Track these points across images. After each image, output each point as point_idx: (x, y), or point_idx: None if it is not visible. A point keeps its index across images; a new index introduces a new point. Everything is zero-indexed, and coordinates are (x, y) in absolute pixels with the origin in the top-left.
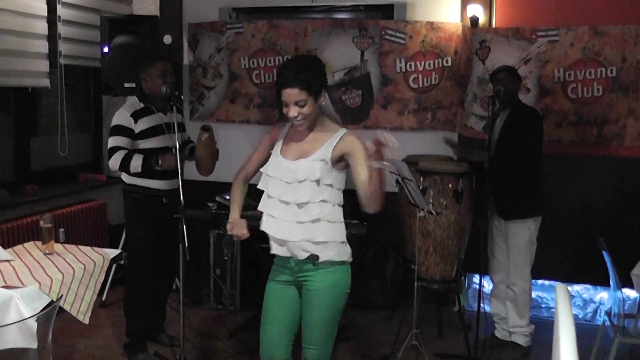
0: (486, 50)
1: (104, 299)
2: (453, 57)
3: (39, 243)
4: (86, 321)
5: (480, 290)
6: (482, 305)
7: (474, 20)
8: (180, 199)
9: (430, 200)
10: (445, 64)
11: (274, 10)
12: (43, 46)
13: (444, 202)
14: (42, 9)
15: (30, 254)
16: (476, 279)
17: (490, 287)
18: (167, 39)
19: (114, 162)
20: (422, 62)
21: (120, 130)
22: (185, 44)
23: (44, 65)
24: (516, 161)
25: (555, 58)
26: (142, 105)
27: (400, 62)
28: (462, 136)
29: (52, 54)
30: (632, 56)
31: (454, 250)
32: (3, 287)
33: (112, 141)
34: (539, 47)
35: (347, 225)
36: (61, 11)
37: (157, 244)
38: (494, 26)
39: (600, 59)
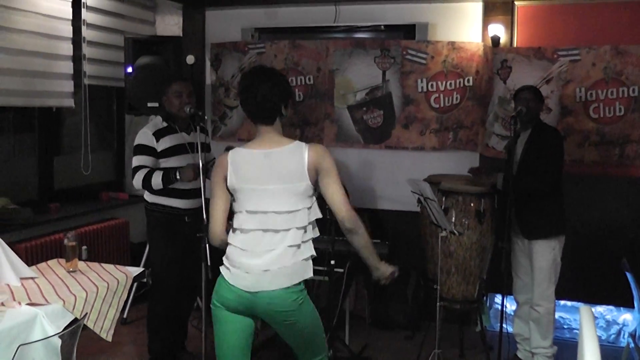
0: (507, 70)
1: (125, 316)
2: (474, 76)
3: (62, 261)
4: (109, 339)
5: (502, 311)
6: (504, 325)
7: (495, 40)
8: (202, 217)
9: (452, 220)
10: (466, 83)
11: (296, 31)
12: (68, 67)
13: (466, 222)
14: (68, 30)
15: (54, 271)
16: (498, 299)
17: (513, 307)
18: (190, 59)
19: (137, 180)
20: (444, 82)
21: (142, 149)
22: (208, 64)
23: (68, 86)
24: (538, 181)
25: (577, 77)
26: (165, 124)
27: (421, 82)
28: (483, 156)
29: (77, 75)
30: None
31: (476, 271)
32: (28, 304)
33: (135, 160)
34: (561, 66)
35: None
36: (86, 32)
37: (180, 262)
38: (515, 46)
39: (622, 79)
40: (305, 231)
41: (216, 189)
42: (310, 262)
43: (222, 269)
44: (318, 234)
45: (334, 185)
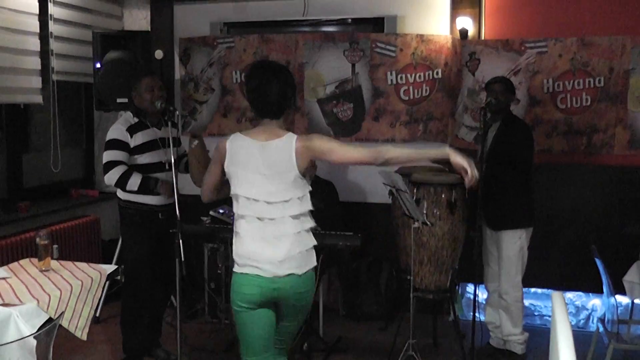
0: (476, 62)
1: (97, 314)
2: (443, 69)
3: (34, 260)
4: (84, 337)
5: (475, 300)
6: (476, 314)
7: (464, 33)
8: (176, 214)
9: (424, 211)
10: (435, 75)
11: (265, 25)
12: (35, 62)
13: (438, 213)
14: (34, 25)
15: (26, 271)
16: (470, 288)
17: (485, 296)
18: (159, 54)
19: (111, 177)
20: (413, 74)
21: (116, 144)
22: (177, 59)
23: (36, 82)
24: (507, 172)
25: (545, 69)
26: (136, 120)
27: (391, 74)
28: (453, 147)
29: (45, 70)
30: (619, 66)
31: (448, 260)
32: (1, 305)
33: (108, 155)
34: (528, 58)
35: (341, 236)
36: (53, 27)
37: (154, 259)
38: (483, 38)
39: (588, 70)
40: (301, 220)
41: (213, 167)
42: (313, 251)
43: (237, 267)
44: (314, 224)
45: (340, 150)
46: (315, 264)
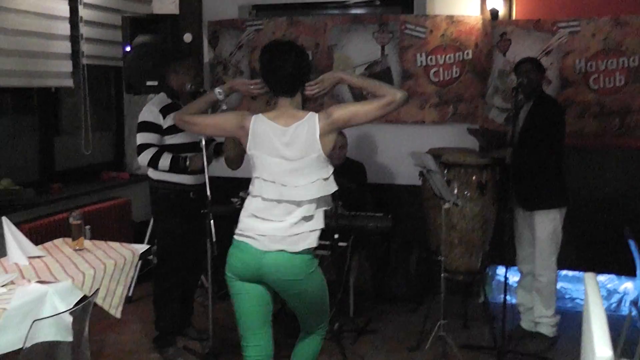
0: (507, 42)
1: (130, 294)
2: (473, 50)
3: (68, 240)
4: (118, 315)
5: (505, 282)
6: (507, 296)
7: (494, 13)
8: (207, 193)
9: (455, 193)
10: (465, 57)
11: (294, 7)
12: (66, 47)
13: (468, 194)
14: (64, 10)
15: (60, 250)
16: (500, 270)
17: (516, 278)
18: (188, 37)
19: (144, 158)
20: (443, 56)
21: (148, 126)
22: (206, 42)
23: (66, 66)
24: (540, 152)
25: (577, 49)
26: (169, 101)
27: (420, 56)
28: (483, 128)
29: (75, 55)
30: None
31: (479, 242)
32: (37, 282)
33: (140, 138)
34: (560, 38)
35: (372, 218)
36: (83, 12)
37: (185, 238)
38: (514, 18)
39: (622, 49)
40: (318, 204)
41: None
42: (318, 233)
43: (234, 237)
44: (331, 205)
45: (361, 109)
46: (314, 244)
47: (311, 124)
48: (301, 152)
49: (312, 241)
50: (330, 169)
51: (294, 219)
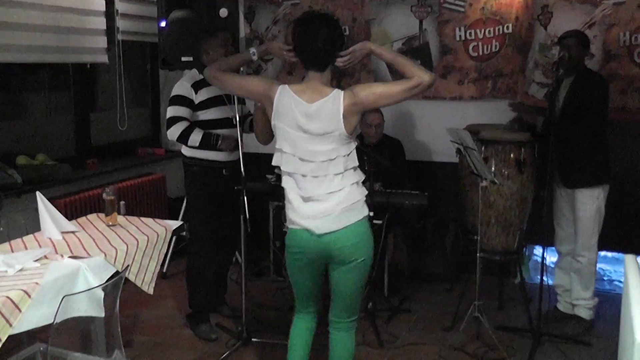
0: (548, 15)
1: (165, 270)
2: (514, 23)
3: (102, 215)
4: (150, 291)
5: (542, 262)
6: (544, 277)
7: None
8: (240, 170)
9: (492, 170)
10: (505, 30)
11: None
12: (101, 23)
13: (506, 172)
14: None
15: (94, 225)
16: (538, 250)
17: (555, 258)
18: (223, 12)
19: (173, 132)
20: (482, 30)
21: (180, 100)
22: (242, 17)
23: (102, 42)
24: (582, 128)
25: (621, 21)
26: (202, 76)
27: (459, 30)
28: (523, 104)
29: (110, 30)
30: None
31: (516, 221)
32: (70, 257)
33: (171, 111)
34: (604, 10)
35: (408, 195)
36: None
37: (218, 215)
38: None
39: None
40: (345, 176)
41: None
42: (363, 203)
43: (288, 223)
44: (363, 177)
45: (387, 92)
46: (366, 214)
47: (336, 101)
48: (323, 128)
49: (364, 210)
50: (352, 146)
51: (331, 195)
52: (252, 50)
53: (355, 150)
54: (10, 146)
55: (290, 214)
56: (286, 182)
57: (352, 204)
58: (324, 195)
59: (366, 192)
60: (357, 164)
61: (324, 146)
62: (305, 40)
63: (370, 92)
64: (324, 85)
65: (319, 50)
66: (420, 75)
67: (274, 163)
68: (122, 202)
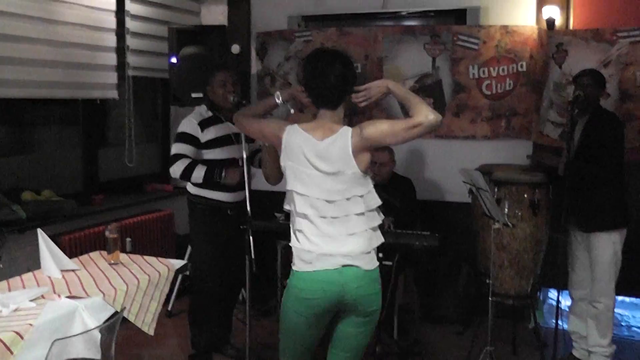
0: (563, 53)
1: (169, 308)
2: (528, 61)
3: (104, 253)
4: (151, 332)
5: (557, 307)
6: (559, 322)
7: (550, 23)
8: (246, 210)
9: (506, 212)
10: (520, 69)
11: (344, 17)
12: (111, 58)
13: (520, 214)
14: (111, 22)
15: (95, 264)
16: (553, 294)
17: (569, 302)
18: (235, 49)
19: (176, 170)
20: (496, 68)
21: (185, 137)
22: (254, 53)
23: (112, 77)
24: (598, 169)
25: (638, 60)
26: (210, 114)
27: (473, 68)
28: (537, 145)
29: (121, 66)
30: None
31: (530, 264)
32: (68, 297)
33: (175, 148)
34: (620, 49)
35: (418, 236)
36: (130, 24)
37: (222, 255)
38: (571, 28)
39: None
40: (367, 217)
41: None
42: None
43: (296, 266)
44: (380, 221)
45: (393, 130)
46: (377, 263)
47: (344, 139)
48: (335, 167)
49: (374, 258)
50: (369, 185)
51: (352, 236)
52: (277, 94)
53: (374, 190)
54: (16, 181)
55: (305, 255)
56: (300, 224)
57: (372, 249)
58: (344, 237)
59: (382, 240)
60: (379, 202)
61: (338, 185)
62: (316, 78)
63: (376, 129)
64: (334, 123)
65: (331, 88)
66: (425, 115)
67: (285, 207)
68: (128, 239)
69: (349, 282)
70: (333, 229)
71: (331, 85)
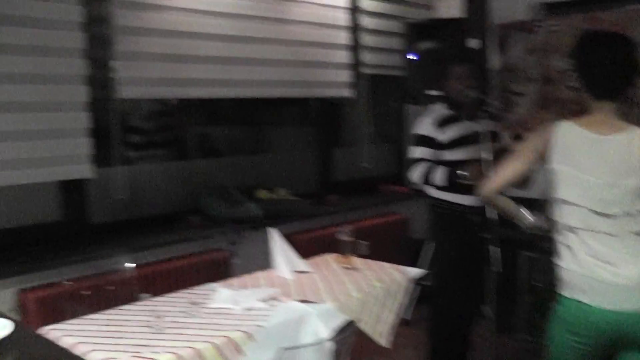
0: None
1: (409, 317)
2: None
3: (337, 256)
4: (387, 344)
5: None
6: None
7: None
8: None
9: None
10: None
11: (592, 2)
12: (345, 56)
13: None
14: (344, 19)
15: (328, 266)
16: None
17: None
18: (474, 42)
19: (416, 175)
20: None
21: (421, 140)
22: (492, 46)
23: (346, 76)
24: None
25: None
26: (449, 112)
27: None
28: None
29: (354, 64)
30: None
31: None
32: (299, 300)
33: (413, 151)
34: None
35: None
36: (362, 20)
37: (464, 263)
38: None
39: None
40: None
41: (515, 161)
42: None
43: (563, 290)
44: None
45: None
46: None
47: (634, 140)
48: (618, 172)
49: None
50: None
51: (633, 259)
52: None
53: None
54: (252, 179)
55: (570, 277)
56: (567, 238)
57: None
58: (622, 259)
59: None
60: None
61: (618, 196)
62: (598, 65)
63: None
64: (616, 119)
65: (612, 74)
66: None
67: (558, 220)
68: (364, 242)
69: (624, 321)
70: (608, 250)
71: (616, 70)
